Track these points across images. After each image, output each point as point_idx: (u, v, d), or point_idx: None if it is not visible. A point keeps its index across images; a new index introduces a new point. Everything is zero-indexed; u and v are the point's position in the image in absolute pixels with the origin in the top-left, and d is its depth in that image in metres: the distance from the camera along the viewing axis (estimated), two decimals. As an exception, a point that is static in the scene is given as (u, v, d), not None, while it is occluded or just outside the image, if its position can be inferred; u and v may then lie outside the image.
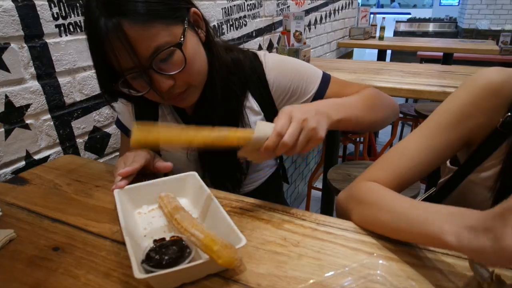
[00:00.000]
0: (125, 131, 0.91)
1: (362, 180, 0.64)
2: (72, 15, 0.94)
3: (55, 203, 0.71)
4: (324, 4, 2.78)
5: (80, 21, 0.96)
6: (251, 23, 1.81)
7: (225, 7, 1.59)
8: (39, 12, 0.87)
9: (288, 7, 2.17)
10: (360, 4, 4.15)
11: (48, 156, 0.94)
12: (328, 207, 1.94)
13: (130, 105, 0.87)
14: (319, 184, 2.30)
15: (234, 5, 1.65)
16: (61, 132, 0.96)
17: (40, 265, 0.54)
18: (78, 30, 0.96)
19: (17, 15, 0.82)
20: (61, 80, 0.94)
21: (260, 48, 1.94)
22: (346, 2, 3.32)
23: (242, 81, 0.81)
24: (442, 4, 9.02)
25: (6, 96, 0.83)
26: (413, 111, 2.69)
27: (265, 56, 0.84)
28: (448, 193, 0.68)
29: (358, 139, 2.65)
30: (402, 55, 4.74)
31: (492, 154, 0.60)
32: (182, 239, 0.52)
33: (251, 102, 0.83)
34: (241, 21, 1.72)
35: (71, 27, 0.94)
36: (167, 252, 0.49)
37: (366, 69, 1.99)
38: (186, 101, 0.74)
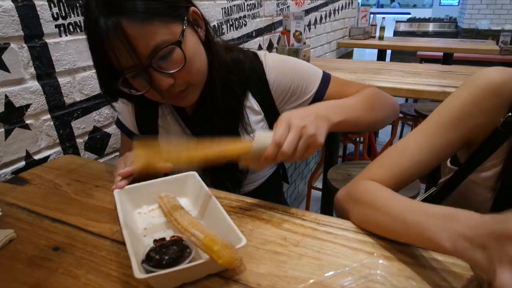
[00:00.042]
0: (125, 131, 0.91)
1: (362, 179, 0.64)
2: (72, 15, 0.94)
3: (55, 203, 0.71)
4: (324, 4, 2.78)
5: (80, 21, 0.96)
6: (251, 23, 1.81)
7: (225, 7, 1.59)
8: (39, 12, 0.87)
9: (288, 7, 2.17)
10: (360, 4, 4.15)
11: (48, 156, 0.94)
12: (328, 207, 1.94)
13: (130, 105, 0.87)
14: (319, 184, 2.30)
15: (234, 5, 1.65)
16: (61, 132, 0.96)
17: (40, 265, 0.54)
18: (78, 30, 0.96)
19: (17, 15, 0.82)
20: (61, 80, 0.94)
21: (260, 48, 1.94)
22: (346, 2, 3.32)
23: (242, 80, 0.81)
24: (442, 4, 9.02)
25: (6, 96, 0.83)
26: (413, 111, 2.69)
27: (265, 56, 0.84)
28: (448, 193, 0.68)
29: (358, 139, 2.65)
30: (402, 55, 4.74)
31: (493, 154, 0.60)
32: (182, 239, 0.52)
33: (251, 102, 0.83)
34: (241, 21, 1.72)
35: (71, 27, 0.94)
36: (167, 252, 0.49)
37: (366, 69, 1.99)
38: (186, 100, 0.74)
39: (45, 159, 0.93)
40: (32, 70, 0.87)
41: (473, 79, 0.61)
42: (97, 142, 1.07)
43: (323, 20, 2.82)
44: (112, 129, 1.11)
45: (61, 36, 0.92)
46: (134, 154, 0.56)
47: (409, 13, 9.72)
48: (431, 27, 7.40)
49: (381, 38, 3.37)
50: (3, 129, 0.83)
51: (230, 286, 0.48)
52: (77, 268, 0.53)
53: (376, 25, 3.54)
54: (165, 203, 0.60)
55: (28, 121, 0.88)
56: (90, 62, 0.87)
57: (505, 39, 3.49)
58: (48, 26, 0.89)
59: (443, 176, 0.72)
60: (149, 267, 0.47)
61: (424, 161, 0.62)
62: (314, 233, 0.59)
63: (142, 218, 0.64)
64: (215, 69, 0.76)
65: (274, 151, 0.59)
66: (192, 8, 0.70)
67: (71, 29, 0.94)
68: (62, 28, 0.92)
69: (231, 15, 1.64)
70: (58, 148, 0.96)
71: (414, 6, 12.70)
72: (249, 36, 1.82)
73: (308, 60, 1.99)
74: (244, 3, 1.72)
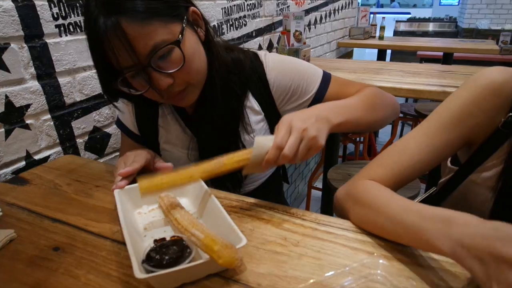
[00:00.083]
0: (126, 131, 0.91)
1: (361, 178, 0.64)
2: (72, 15, 0.94)
3: (55, 203, 0.71)
4: (324, 4, 2.78)
5: (80, 21, 0.96)
6: (251, 23, 1.81)
7: (225, 7, 1.59)
8: (39, 12, 0.87)
9: (288, 7, 2.17)
10: (360, 4, 4.14)
11: (48, 156, 0.94)
12: (328, 207, 1.94)
13: (131, 105, 0.86)
14: (319, 184, 2.30)
15: (234, 5, 1.65)
16: (61, 132, 0.96)
17: (40, 265, 0.54)
18: (78, 30, 0.96)
19: (17, 15, 0.82)
20: (61, 80, 0.94)
21: (260, 48, 1.94)
22: (346, 2, 3.32)
23: (242, 80, 0.81)
24: (442, 3, 9.02)
25: (6, 96, 0.83)
26: (413, 110, 2.69)
27: (265, 56, 0.84)
28: (448, 193, 0.67)
29: (358, 139, 2.65)
30: (402, 55, 4.74)
31: (494, 154, 0.59)
32: (182, 239, 0.52)
33: (252, 102, 0.83)
34: (241, 21, 1.72)
35: (71, 27, 0.94)
36: (167, 252, 0.49)
37: (366, 69, 1.99)
38: (185, 100, 0.74)
39: (45, 159, 0.93)
40: (32, 70, 0.87)
41: (474, 79, 0.61)
42: (97, 142, 1.07)
43: (323, 20, 2.82)
44: (112, 129, 1.11)
45: (61, 36, 0.92)
46: (140, 188, 0.57)
47: (409, 13, 9.72)
48: (431, 27, 7.39)
49: (381, 38, 3.37)
50: (3, 129, 0.83)
51: (230, 286, 0.48)
52: (77, 268, 0.53)
53: (376, 25, 3.54)
54: (165, 203, 0.60)
55: (28, 121, 0.88)
56: (90, 62, 0.87)
57: (505, 39, 3.49)
58: (48, 26, 0.89)
59: (443, 176, 0.72)
60: (150, 267, 0.47)
61: (424, 160, 0.62)
62: (314, 233, 0.59)
63: (142, 218, 0.64)
64: (215, 69, 0.76)
65: (275, 154, 0.59)
66: (192, 8, 0.70)
67: (71, 29, 0.94)
68: (62, 28, 0.92)
69: (231, 15, 1.64)
70: (58, 148, 0.96)
71: (414, 6, 12.71)
72: (249, 36, 1.82)
73: (308, 60, 1.99)
74: (244, 3, 1.72)
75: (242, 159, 0.61)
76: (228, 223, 0.54)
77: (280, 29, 2.09)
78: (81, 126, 1.01)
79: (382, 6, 13.25)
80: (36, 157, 0.92)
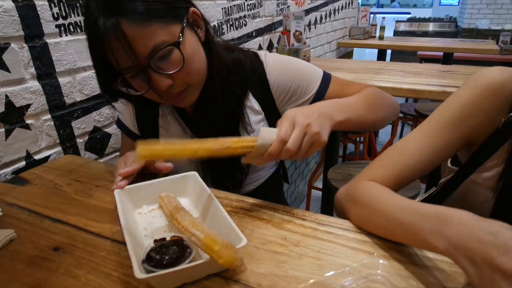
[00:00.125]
0: (126, 131, 0.91)
1: (362, 178, 0.64)
2: (72, 15, 0.94)
3: (56, 203, 0.71)
4: (324, 4, 2.78)
5: (80, 21, 0.96)
6: (251, 23, 1.81)
7: (225, 7, 1.59)
8: (39, 12, 0.87)
9: (288, 7, 2.17)
10: (360, 4, 4.14)
11: (48, 156, 0.94)
12: (328, 207, 1.94)
13: (131, 105, 0.87)
14: (319, 184, 2.30)
15: (234, 5, 1.65)
16: (61, 132, 0.96)
17: (40, 265, 0.54)
18: (78, 30, 0.96)
19: (17, 15, 0.82)
20: (61, 80, 0.94)
21: (260, 48, 1.94)
22: (346, 2, 3.32)
23: (242, 80, 0.81)
24: (442, 3, 9.02)
25: (7, 96, 0.83)
26: (413, 110, 2.69)
27: (265, 56, 0.84)
28: (448, 194, 0.67)
29: (358, 139, 2.65)
30: (402, 55, 4.74)
31: (494, 154, 0.59)
32: (182, 239, 0.52)
33: (252, 102, 0.83)
34: (241, 21, 1.72)
35: (71, 27, 0.94)
36: (167, 252, 0.49)
37: (366, 69, 1.99)
38: (185, 101, 0.74)
39: (45, 159, 0.93)
40: (32, 70, 0.87)
41: (474, 79, 0.61)
42: (97, 142, 1.07)
43: (323, 20, 2.82)
44: (112, 129, 1.11)
45: (61, 36, 0.92)
46: (136, 149, 0.55)
47: (409, 13, 9.72)
48: (431, 27, 7.39)
49: (381, 38, 3.37)
50: (3, 129, 0.83)
51: (231, 286, 0.48)
52: (77, 268, 0.53)
53: (376, 25, 3.54)
54: (166, 203, 0.60)
55: (28, 121, 0.88)
56: (90, 62, 0.87)
57: (505, 39, 3.49)
58: (48, 26, 0.89)
59: (444, 176, 0.72)
60: (150, 267, 0.47)
61: (424, 161, 0.62)
62: (315, 233, 0.59)
63: (143, 218, 0.64)
64: (215, 69, 0.76)
65: (278, 147, 0.59)
66: (192, 8, 0.70)
67: (72, 29, 0.94)
68: (62, 28, 0.92)
69: (231, 15, 1.64)
70: (58, 148, 0.96)
71: (414, 6, 12.71)
72: (249, 36, 1.82)
73: (308, 60, 1.99)
74: (244, 3, 1.72)
75: (247, 145, 0.60)
76: (228, 223, 0.54)
77: (280, 29, 2.09)
78: (81, 126, 1.01)
79: (382, 6, 13.25)
80: (36, 157, 0.92)
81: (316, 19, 2.66)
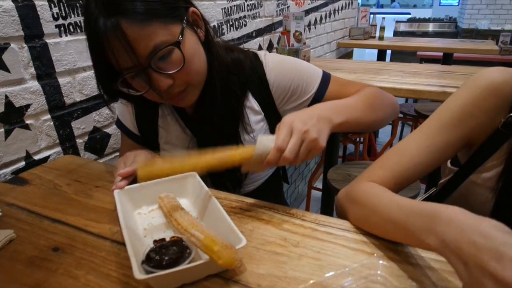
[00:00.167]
0: (125, 132, 0.91)
1: (362, 180, 0.64)
2: (72, 15, 0.94)
3: (55, 204, 0.71)
4: (324, 4, 2.78)
5: (80, 21, 0.96)
6: (251, 23, 1.81)
7: (225, 7, 1.59)
8: (39, 12, 0.87)
9: (288, 7, 2.17)
10: (360, 4, 4.15)
11: (48, 157, 0.94)
12: (328, 207, 1.94)
13: (130, 105, 0.86)
14: (319, 184, 2.30)
15: (234, 5, 1.65)
16: (61, 132, 0.96)
17: (40, 265, 0.54)
18: (78, 30, 0.96)
19: (17, 15, 0.82)
20: (61, 80, 0.94)
21: (260, 48, 1.94)
22: (346, 2, 3.32)
23: (242, 81, 0.81)
24: (442, 4, 9.02)
25: (6, 96, 0.83)
26: (413, 111, 2.69)
27: (265, 56, 0.84)
28: (448, 194, 0.67)
29: (358, 139, 2.65)
30: (402, 55, 4.74)
31: (494, 154, 0.60)
32: (182, 239, 0.52)
33: (251, 102, 0.83)
34: (241, 21, 1.72)
35: (71, 27, 0.94)
36: (167, 252, 0.49)
37: (366, 69, 1.99)
38: (185, 101, 0.74)
39: (45, 159, 0.93)
40: (32, 70, 0.87)
41: (474, 79, 0.61)
42: (97, 142, 1.07)
43: (323, 21, 2.82)
44: (112, 130, 1.11)
45: (61, 36, 0.92)
46: (137, 173, 0.57)
47: (409, 13, 9.72)
48: (431, 27, 7.40)
49: (381, 38, 3.37)
50: (3, 129, 0.83)
51: (230, 287, 0.48)
52: (77, 268, 0.53)
53: (376, 25, 3.54)
54: (165, 203, 0.60)
55: (28, 121, 0.88)
56: (90, 62, 0.87)
57: (505, 39, 3.48)
58: (48, 26, 0.89)
59: (443, 176, 0.72)
60: (149, 268, 0.47)
61: (424, 161, 0.62)
62: (314, 234, 0.59)
63: (142, 218, 0.64)
64: (214, 69, 0.76)
65: (276, 155, 0.59)
66: (192, 8, 0.70)
67: (71, 29, 0.94)
68: (62, 28, 0.92)
69: (231, 15, 1.64)
70: (58, 149, 0.96)
71: (414, 6, 12.71)
72: (249, 37, 1.82)
73: (308, 60, 1.99)
74: (244, 3, 1.72)
75: (244, 156, 0.61)
76: (228, 224, 0.54)
77: (280, 29, 2.09)
78: (81, 126, 1.01)
79: (382, 6, 13.25)
80: (36, 157, 0.92)
81: (316, 20, 2.66)
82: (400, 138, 3.47)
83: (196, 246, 0.49)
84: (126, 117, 0.90)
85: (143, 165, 0.57)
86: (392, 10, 11.19)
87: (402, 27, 7.47)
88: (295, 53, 1.90)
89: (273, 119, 0.85)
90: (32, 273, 0.52)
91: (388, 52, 4.04)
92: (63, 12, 0.92)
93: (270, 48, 2.05)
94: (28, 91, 0.87)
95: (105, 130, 1.09)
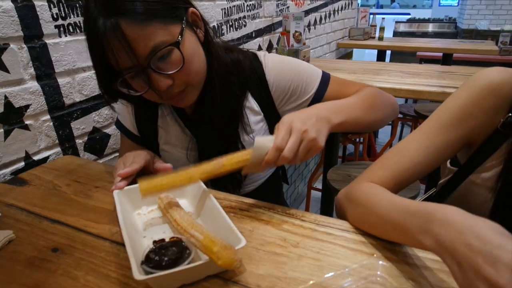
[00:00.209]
0: (125, 132, 0.91)
1: (362, 180, 0.64)
2: (72, 16, 0.94)
3: (55, 204, 0.71)
4: (324, 5, 2.78)
5: (79, 21, 0.96)
6: (251, 23, 1.81)
7: (224, 8, 1.59)
8: (38, 13, 0.86)
9: (288, 7, 2.17)
10: (359, 5, 4.15)
11: (47, 157, 0.94)
12: (328, 208, 1.94)
13: (130, 106, 0.86)
14: (318, 184, 2.30)
15: (234, 6, 1.65)
16: (60, 132, 0.96)
17: (39, 266, 0.54)
18: (78, 30, 0.96)
19: (17, 15, 0.82)
20: (61, 80, 0.94)
21: (259, 48, 1.94)
22: (345, 3, 3.32)
23: (241, 81, 0.81)
24: (442, 4, 9.02)
25: (6, 97, 0.83)
26: (412, 111, 2.69)
27: (265, 57, 0.84)
28: (448, 194, 0.67)
29: (357, 139, 2.65)
30: (402, 56, 4.74)
31: (493, 154, 0.60)
32: (181, 240, 0.52)
33: (251, 102, 0.83)
34: (240, 21, 1.72)
35: (70, 27, 0.94)
36: (166, 253, 0.49)
37: (366, 70, 1.99)
38: (184, 101, 0.74)
39: (44, 159, 0.93)
40: (31, 70, 0.87)
41: (473, 79, 0.61)
42: (97, 142, 1.07)
43: (323, 21, 2.82)
44: (112, 130, 1.11)
45: (60, 37, 0.92)
46: (138, 187, 0.58)
47: (408, 14, 9.73)
48: (430, 27, 7.40)
49: (380, 38, 3.37)
50: (2, 130, 0.83)
51: (230, 287, 0.48)
52: (76, 269, 0.53)
53: (375, 26, 3.54)
54: (165, 204, 0.60)
55: (27, 122, 0.88)
56: (90, 63, 0.87)
57: (505, 40, 3.49)
58: (47, 26, 0.89)
59: (443, 177, 0.72)
60: (149, 268, 0.47)
61: (424, 161, 0.62)
62: (314, 234, 0.59)
63: (142, 219, 0.64)
64: (214, 70, 0.76)
65: (275, 155, 0.59)
66: (191, 9, 0.70)
67: (71, 30, 0.94)
68: (61, 29, 0.92)
69: (230, 15, 1.64)
70: (58, 149, 0.96)
71: (414, 6, 12.70)
72: (248, 37, 1.82)
73: (307, 61, 1.99)
74: (243, 3, 1.72)
75: (241, 160, 0.61)
76: (227, 224, 0.54)
77: (280, 29, 2.09)
78: (80, 126, 1.01)
79: (381, 7, 13.25)
80: (35, 157, 0.92)
81: (315, 20, 2.66)
82: (400, 139, 3.47)
83: (196, 246, 0.49)
84: (125, 118, 0.89)
85: (144, 180, 0.58)
86: (392, 11, 11.18)
87: (402, 28, 7.47)
88: (294, 53, 1.90)
89: (272, 119, 0.85)
90: (32, 274, 0.52)
91: (388, 52, 4.04)
92: (63, 13, 0.92)
93: (269, 48, 2.05)
94: (27, 91, 0.87)
95: (105, 131, 1.09)
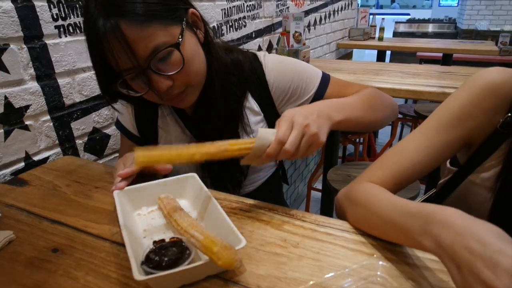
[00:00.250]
0: (125, 132, 0.91)
1: (362, 180, 0.64)
2: (72, 16, 0.94)
3: (55, 204, 0.71)
4: (324, 5, 2.78)
5: (79, 22, 0.96)
6: (251, 24, 1.82)
7: (224, 8, 1.59)
8: (38, 13, 0.87)
9: (288, 8, 2.17)
10: (359, 5, 4.15)
11: (47, 157, 0.94)
12: (328, 208, 1.94)
13: (130, 106, 0.86)
14: (318, 185, 2.30)
15: (234, 6, 1.65)
16: (60, 133, 0.96)
17: (39, 266, 0.54)
18: (78, 31, 0.96)
19: (17, 16, 0.82)
20: (61, 81, 0.94)
21: (259, 49, 1.94)
22: (345, 3, 3.32)
23: (241, 81, 0.81)
24: (442, 5, 9.02)
25: (6, 97, 0.83)
26: (412, 111, 2.69)
27: (265, 57, 0.84)
28: (448, 194, 0.68)
29: (357, 139, 2.65)
30: (402, 56, 4.74)
31: (492, 154, 0.60)
32: (181, 240, 0.52)
33: (251, 103, 0.83)
34: (240, 22, 1.72)
35: (70, 28, 0.94)
36: (166, 253, 0.49)
37: (366, 70, 1.99)
38: (184, 102, 0.74)
39: (44, 160, 0.93)
40: (31, 71, 0.87)
41: (473, 80, 0.61)
42: (97, 143, 1.07)
43: (323, 21, 2.82)
44: (112, 130, 1.11)
45: (60, 37, 0.92)
46: (134, 154, 0.56)
47: (408, 14, 9.73)
48: (430, 28, 7.40)
49: (380, 39, 3.38)
50: (2, 130, 0.83)
51: (230, 288, 0.48)
52: (76, 269, 0.53)
53: (375, 26, 3.54)
54: (165, 204, 0.60)
55: (27, 122, 0.88)
56: (90, 63, 0.87)
57: (504, 40, 3.49)
58: (47, 27, 0.89)
59: (443, 177, 0.72)
60: (149, 269, 0.47)
61: (424, 161, 0.62)
62: (314, 235, 0.59)
63: (142, 219, 0.64)
64: (214, 70, 0.76)
65: (276, 148, 0.59)
66: (191, 10, 0.70)
67: (71, 30, 0.94)
68: (61, 29, 0.92)
69: (230, 16, 1.64)
70: (58, 149, 0.96)
71: (414, 7, 12.71)
72: (248, 37, 1.82)
73: (307, 61, 1.99)
74: (243, 4, 1.72)
75: (244, 147, 0.60)
76: (227, 225, 0.54)
77: (280, 30, 2.09)
78: (80, 127, 1.01)
79: (381, 7, 13.25)
80: (35, 158, 0.92)
81: (315, 20, 2.66)
82: (400, 139, 3.46)
83: (196, 247, 0.49)
84: (125, 118, 0.90)
85: (141, 150, 0.56)
86: (392, 11, 11.19)
87: (402, 28, 7.48)
88: (294, 54, 1.90)
89: (272, 120, 0.85)
90: (32, 274, 0.52)
91: (388, 53, 4.04)
92: (63, 13, 0.92)
93: (269, 48, 2.05)
94: (27, 92, 0.87)
95: (105, 131, 1.09)
